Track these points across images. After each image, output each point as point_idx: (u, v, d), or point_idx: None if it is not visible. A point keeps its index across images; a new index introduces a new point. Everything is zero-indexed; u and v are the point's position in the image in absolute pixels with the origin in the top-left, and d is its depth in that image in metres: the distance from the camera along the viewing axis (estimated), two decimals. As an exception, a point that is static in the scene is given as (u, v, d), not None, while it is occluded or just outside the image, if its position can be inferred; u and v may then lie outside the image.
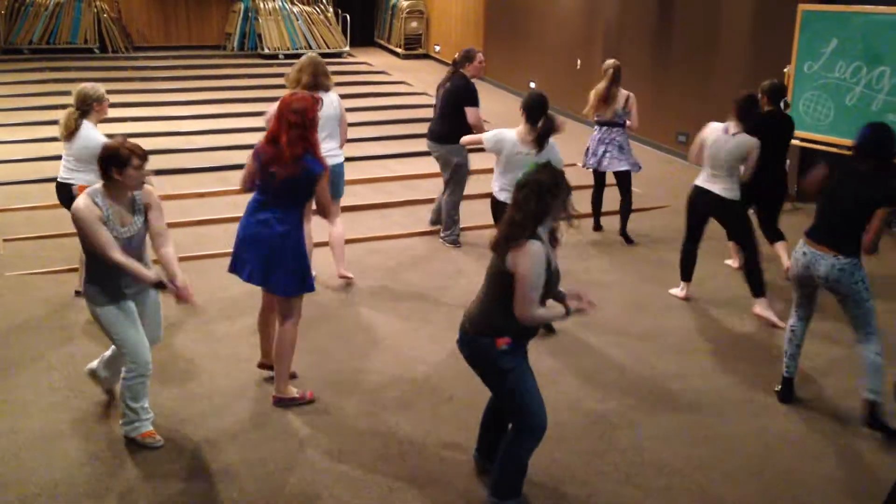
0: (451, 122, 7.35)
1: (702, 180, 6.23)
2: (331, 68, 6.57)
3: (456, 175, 7.51)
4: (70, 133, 5.83)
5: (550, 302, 3.85)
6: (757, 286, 6.21)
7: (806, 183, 5.14)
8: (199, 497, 4.08)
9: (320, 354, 5.52)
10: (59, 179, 6.04)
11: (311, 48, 14.78)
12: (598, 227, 8.20)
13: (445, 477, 4.24)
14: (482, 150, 6.09)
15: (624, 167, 7.80)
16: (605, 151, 7.81)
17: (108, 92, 6.22)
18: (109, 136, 4.84)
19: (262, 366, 5.15)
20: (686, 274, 6.53)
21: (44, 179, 8.04)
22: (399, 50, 17.32)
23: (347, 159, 6.69)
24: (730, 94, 6.93)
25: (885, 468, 4.39)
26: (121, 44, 15.18)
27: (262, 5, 15.64)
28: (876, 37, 7.87)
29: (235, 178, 4.84)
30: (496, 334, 3.73)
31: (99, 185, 4.24)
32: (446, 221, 7.69)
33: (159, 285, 4.32)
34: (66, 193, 5.91)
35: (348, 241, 6.93)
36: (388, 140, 10.99)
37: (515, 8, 14.51)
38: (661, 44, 11.17)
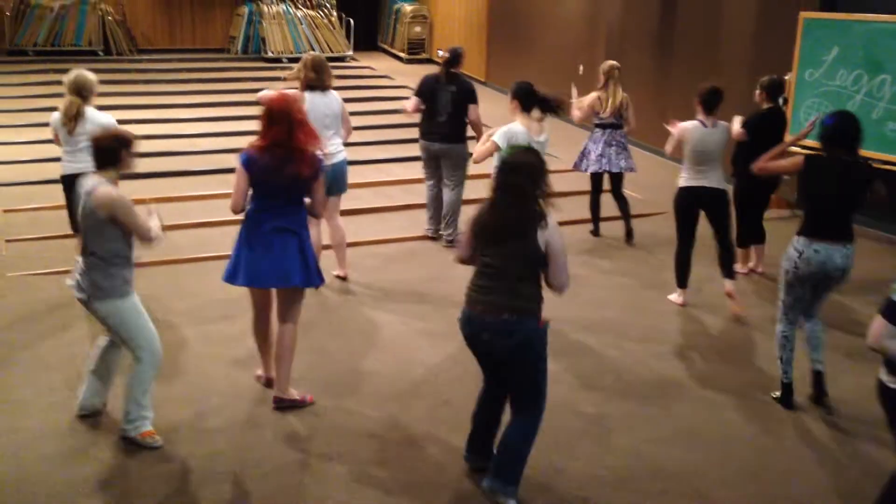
0: (460, 121, 7.61)
1: (690, 180, 6.29)
2: (334, 72, 6.66)
3: (463, 171, 7.66)
4: (73, 119, 5.84)
5: None
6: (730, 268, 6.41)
7: (773, 165, 5.23)
8: (196, 498, 4.09)
9: (319, 355, 5.54)
10: (66, 172, 6.04)
11: (314, 52, 14.82)
12: (597, 233, 8.21)
13: (442, 479, 4.26)
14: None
15: (630, 165, 7.92)
16: (613, 153, 7.87)
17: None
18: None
19: (269, 382, 5.07)
20: (682, 280, 6.54)
21: (47, 181, 8.08)
22: (402, 54, 17.38)
23: (348, 163, 6.73)
24: (732, 101, 7.00)
25: (883, 474, 4.39)
26: (125, 46, 15.25)
27: (266, 9, 15.70)
28: (877, 45, 7.89)
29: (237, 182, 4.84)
30: (537, 316, 3.87)
31: (101, 175, 4.30)
32: (451, 218, 7.75)
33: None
34: (73, 185, 5.93)
35: (348, 245, 6.96)
36: (391, 144, 11.03)
37: (518, 13, 14.56)
38: (663, 49, 11.21)
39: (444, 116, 7.59)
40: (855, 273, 5.06)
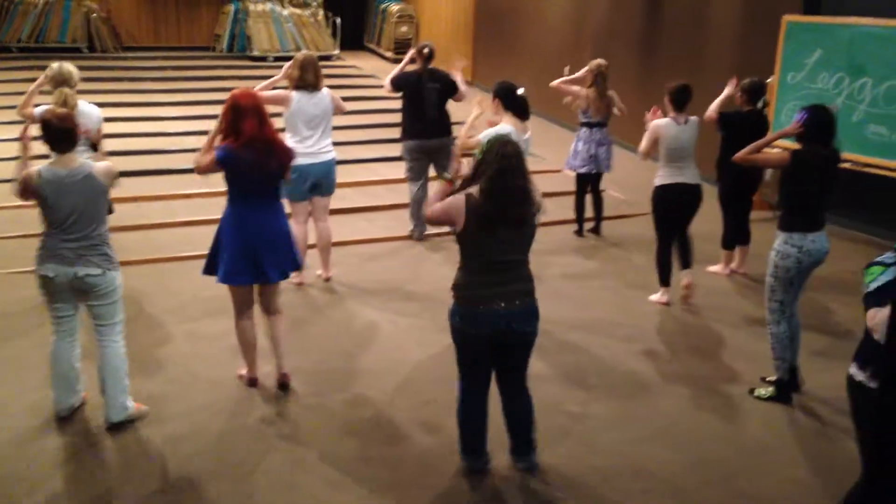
0: (447, 114, 7.73)
1: (668, 178, 6.36)
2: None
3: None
4: (72, 110, 5.76)
5: None
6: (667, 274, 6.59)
7: (759, 157, 5.31)
8: (178, 497, 4.08)
9: (304, 355, 5.54)
10: None
11: (300, 51, 14.78)
12: (581, 233, 8.25)
13: (426, 478, 4.27)
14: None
15: (611, 166, 8.00)
16: (602, 153, 7.93)
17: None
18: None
19: (252, 382, 5.12)
20: (665, 279, 6.59)
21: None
22: (388, 54, 17.36)
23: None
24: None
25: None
26: (109, 44, 15.15)
27: (251, 7, 15.64)
28: (859, 48, 7.97)
29: (221, 180, 4.85)
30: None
31: (74, 155, 4.42)
32: (419, 213, 7.80)
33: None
34: None
35: (334, 244, 6.96)
36: (376, 144, 11.03)
37: (505, 14, 14.58)
38: (649, 51, 11.27)
39: (433, 112, 7.61)
40: (830, 272, 5.15)
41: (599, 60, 7.96)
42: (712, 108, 6.81)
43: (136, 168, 9.30)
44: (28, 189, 4.36)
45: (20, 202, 4.64)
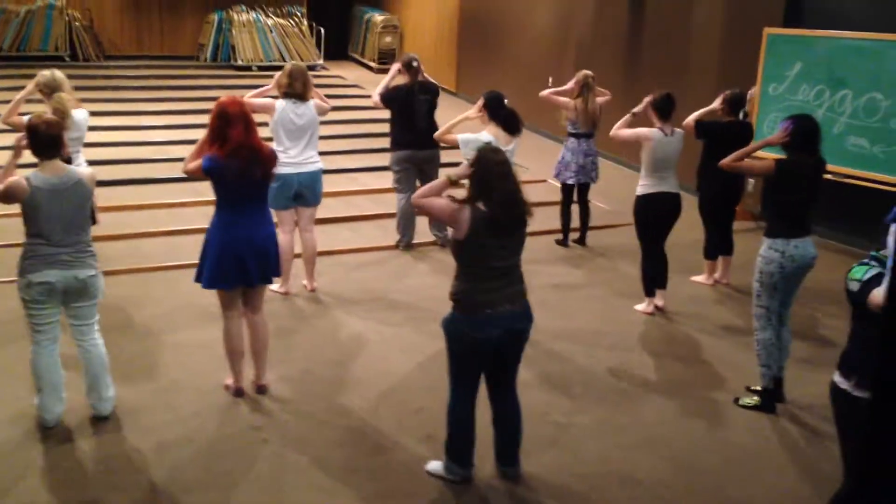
0: (435, 125, 7.68)
1: (651, 187, 6.40)
2: (303, 81, 6.64)
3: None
4: (69, 116, 5.73)
5: None
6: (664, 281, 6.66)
7: (745, 164, 5.38)
8: (166, 507, 4.07)
9: (290, 365, 5.53)
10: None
11: (284, 60, 14.80)
12: (566, 243, 8.29)
13: (413, 488, 4.27)
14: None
15: (598, 177, 8.08)
16: (590, 163, 8.00)
17: (79, 100, 6.25)
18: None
19: (238, 392, 5.11)
20: (650, 289, 6.63)
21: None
22: (373, 64, 17.39)
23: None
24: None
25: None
26: (92, 52, 15.09)
27: (235, 17, 15.63)
28: (839, 61, 8.07)
29: (207, 189, 4.86)
30: None
31: (55, 162, 4.43)
32: (407, 224, 7.87)
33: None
34: None
35: (319, 254, 6.96)
36: (360, 154, 11.04)
37: (488, 24, 14.66)
38: (632, 63, 11.36)
39: (424, 123, 7.65)
40: (811, 282, 5.21)
41: (586, 71, 8.02)
42: (691, 117, 6.88)
43: (120, 177, 9.26)
44: (12, 197, 4.35)
45: (1, 212, 4.62)
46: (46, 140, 4.35)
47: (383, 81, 7.85)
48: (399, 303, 6.71)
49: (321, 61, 16.30)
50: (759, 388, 5.21)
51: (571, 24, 12.58)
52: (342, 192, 9.47)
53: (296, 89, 6.33)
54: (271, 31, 15.76)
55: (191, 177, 4.96)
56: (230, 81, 14.30)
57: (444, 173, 4.48)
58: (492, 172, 3.93)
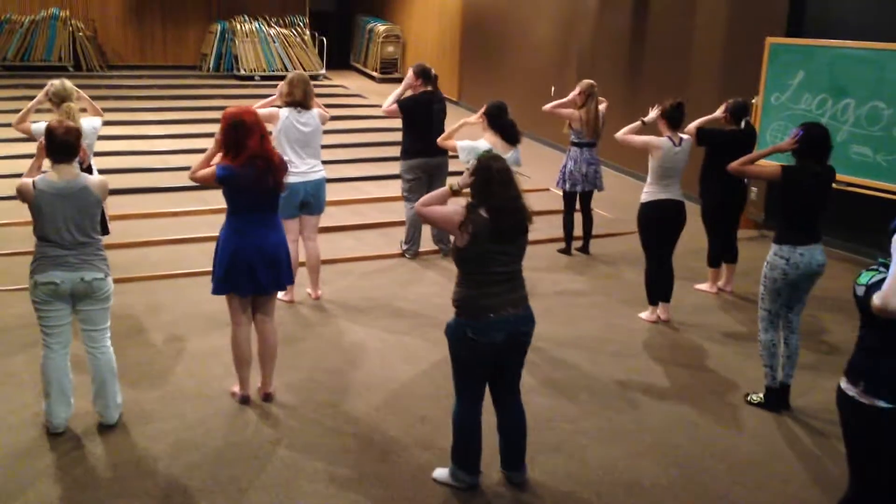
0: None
1: (656, 194, 6.41)
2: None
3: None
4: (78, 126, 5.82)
5: None
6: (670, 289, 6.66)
7: (753, 169, 5.47)
8: (173, 514, 4.08)
9: (295, 372, 5.54)
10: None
11: (287, 70, 14.85)
12: (569, 251, 8.31)
13: (419, 496, 4.27)
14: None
15: (602, 184, 8.09)
16: (593, 171, 8.02)
17: (98, 108, 6.40)
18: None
19: (245, 399, 5.12)
20: (654, 297, 6.65)
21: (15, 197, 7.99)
22: (375, 73, 17.46)
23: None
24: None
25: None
26: (95, 62, 15.16)
27: (238, 27, 15.71)
28: (841, 70, 8.11)
29: (212, 198, 4.89)
30: None
31: (71, 167, 4.49)
32: (416, 233, 7.93)
33: None
34: None
35: (323, 262, 6.98)
36: (363, 162, 11.09)
37: (491, 33, 14.72)
38: (633, 72, 11.40)
39: (434, 132, 7.68)
40: (820, 291, 5.22)
41: (589, 81, 8.05)
42: (693, 124, 6.91)
43: (123, 186, 9.28)
44: (21, 198, 4.48)
45: (6, 221, 4.66)
46: (60, 144, 4.41)
47: (397, 90, 7.86)
48: (404, 311, 6.72)
49: (323, 71, 16.37)
50: (765, 387, 5.30)
51: (573, 33, 12.63)
52: (346, 200, 9.50)
53: (296, 97, 6.36)
54: (274, 40, 15.83)
55: (199, 184, 4.98)
56: (233, 91, 14.37)
57: (449, 182, 4.51)
58: (493, 180, 3.97)
